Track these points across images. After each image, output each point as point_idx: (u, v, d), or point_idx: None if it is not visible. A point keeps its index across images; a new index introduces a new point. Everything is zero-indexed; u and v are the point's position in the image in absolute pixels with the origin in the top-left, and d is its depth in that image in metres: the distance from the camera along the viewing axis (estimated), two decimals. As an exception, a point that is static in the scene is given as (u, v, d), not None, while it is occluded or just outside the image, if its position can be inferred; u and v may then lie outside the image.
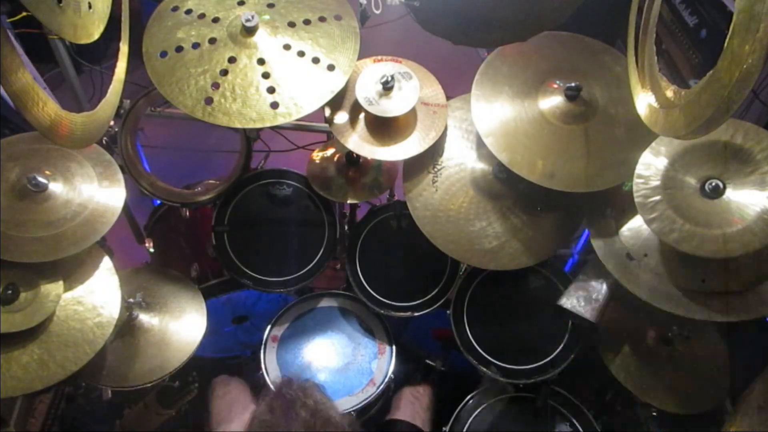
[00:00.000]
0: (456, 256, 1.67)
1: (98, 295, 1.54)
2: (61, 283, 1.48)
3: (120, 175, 1.59)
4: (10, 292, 1.41)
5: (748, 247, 1.24)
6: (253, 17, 1.44)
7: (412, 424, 1.66)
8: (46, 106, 1.09)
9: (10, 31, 2.03)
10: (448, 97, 1.68)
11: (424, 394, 1.79)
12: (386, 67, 1.56)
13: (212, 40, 1.47)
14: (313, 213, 1.87)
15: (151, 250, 2.15)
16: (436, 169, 1.68)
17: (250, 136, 1.82)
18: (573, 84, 1.50)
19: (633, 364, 1.71)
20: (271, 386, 1.76)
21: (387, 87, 1.52)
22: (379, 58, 1.65)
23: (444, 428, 1.72)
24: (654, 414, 1.95)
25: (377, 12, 1.51)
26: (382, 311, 1.86)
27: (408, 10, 1.35)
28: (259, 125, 1.42)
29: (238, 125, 1.41)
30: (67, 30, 1.11)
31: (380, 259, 1.91)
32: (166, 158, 2.59)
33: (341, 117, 1.61)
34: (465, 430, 1.72)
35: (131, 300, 1.70)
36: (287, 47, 1.48)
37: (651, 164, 1.36)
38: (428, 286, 1.85)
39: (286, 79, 1.45)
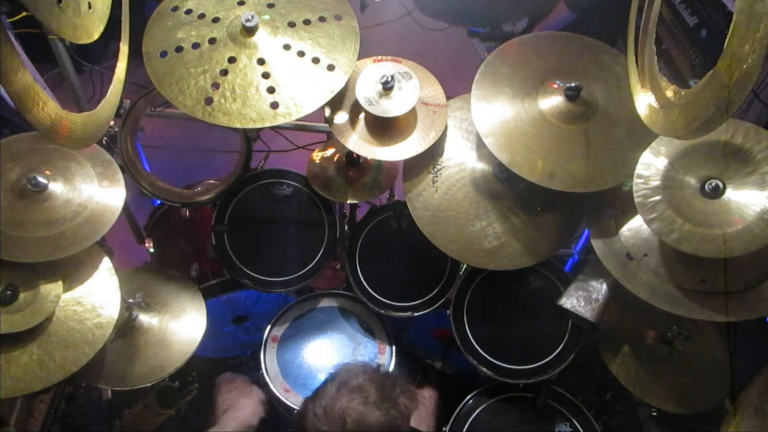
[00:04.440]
0: (456, 256, 1.67)
1: (98, 296, 1.54)
2: (60, 283, 1.48)
3: (120, 175, 1.59)
4: (9, 292, 1.41)
5: (748, 247, 1.24)
6: (253, 17, 1.44)
7: (417, 430, 1.64)
8: (46, 106, 1.09)
9: (10, 31, 2.03)
10: (448, 97, 1.68)
11: (430, 398, 1.78)
12: (386, 67, 1.56)
13: (212, 40, 1.46)
14: (313, 213, 1.87)
15: (151, 250, 2.15)
16: (436, 169, 1.68)
17: (250, 136, 1.82)
18: (573, 84, 1.50)
19: (633, 364, 1.72)
20: (271, 386, 1.76)
21: (387, 87, 1.52)
22: (379, 58, 1.65)
23: (444, 428, 1.72)
24: (654, 414, 1.95)
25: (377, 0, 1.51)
26: (382, 311, 1.86)
27: (410, 8, 1.35)
28: (259, 125, 1.42)
29: (238, 125, 1.41)
30: (67, 30, 1.11)
31: (380, 259, 1.91)
32: (166, 158, 2.60)
33: (341, 117, 1.61)
34: (465, 430, 1.72)
35: (131, 300, 1.70)
36: (287, 47, 1.48)
37: (651, 164, 1.36)
38: (428, 286, 1.86)
39: (286, 79, 1.45)
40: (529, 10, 1.40)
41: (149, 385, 1.68)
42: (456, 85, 1.74)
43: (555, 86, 1.55)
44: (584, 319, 1.63)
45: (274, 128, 1.76)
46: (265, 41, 1.47)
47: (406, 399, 1.20)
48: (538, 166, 1.48)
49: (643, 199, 1.35)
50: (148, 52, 1.45)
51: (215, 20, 1.50)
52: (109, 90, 1.35)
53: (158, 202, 2.16)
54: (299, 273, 1.84)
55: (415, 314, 1.83)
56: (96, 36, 1.22)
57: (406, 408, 1.18)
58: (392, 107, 1.53)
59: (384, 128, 1.60)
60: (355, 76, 1.55)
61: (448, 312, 1.82)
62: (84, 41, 1.18)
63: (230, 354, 2.28)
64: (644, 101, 1.24)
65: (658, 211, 1.32)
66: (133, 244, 2.19)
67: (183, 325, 1.76)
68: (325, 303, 1.98)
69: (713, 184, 1.30)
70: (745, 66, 0.88)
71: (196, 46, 1.46)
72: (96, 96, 2.82)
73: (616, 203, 1.56)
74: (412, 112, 1.60)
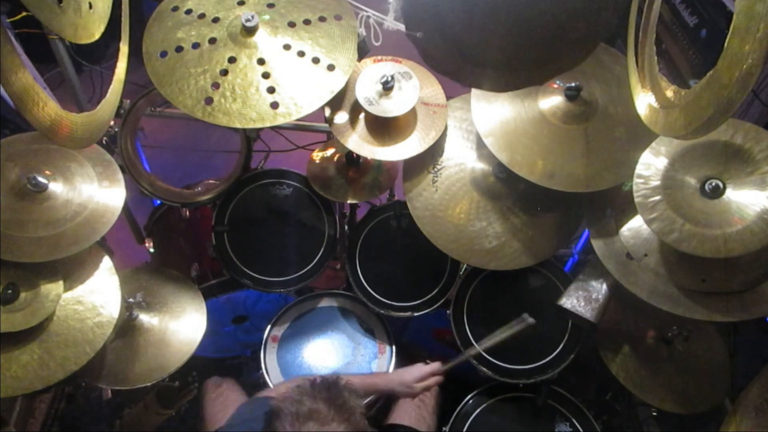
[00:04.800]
0: (456, 256, 1.67)
1: (98, 295, 1.54)
2: (61, 282, 1.49)
3: (120, 175, 1.59)
4: (10, 291, 1.41)
5: (748, 247, 1.24)
6: (253, 17, 1.44)
7: (416, 430, 1.64)
8: (46, 106, 1.09)
9: (10, 31, 2.03)
10: (448, 97, 1.68)
11: (430, 397, 1.78)
12: (386, 67, 1.56)
13: (212, 40, 1.46)
14: (313, 213, 1.87)
15: (151, 250, 2.15)
16: (436, 169, 1.68)
17: (250, 136, 1.82)
18: (573, 84, 1.50)
19: (633, 364, 1.72)
20: (271, 386, 1.76)
21: (387, 87, 1.52)
22: (379, 58, 1.65)
23: (444, 428, 1.72)
24: (654, 414, 1.95)
25: (377, 44, 1.50)
26: (382, 311, 1.86)
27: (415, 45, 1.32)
28: (259, 125, 1.42)
29: (238, 125, 1.41)
30: (67, 30, 1.11)
31: (380, 259, 1.91)
32: (166, 158, 2.59)
33: (341, 117, 1.61)
34: (465, 430, 1.72)
35: (131, 300, 1.70)
36: (287, 47, 1.48)
37: (651, 164, 1.36)
38: (428, 286, 1.86)
39: (286, 79, 1.45)
40: (554, 70, 1.35)
41: (149, 385, 1.68)
42: (456, 85, 1.73)
43: (555, 86, 1.55)
44: (584, 319, 1.63)
45: (274, 128, 1.76)
46: (265, 41, 1.47)
47: (355, 398, 1.16)
48: (538, 166, 1.48)
49: (643, 199, 1.35)
50: (148, 52, 1.45)
51: (215, 20, 1.50)
52: (109, 90, 1.35)
53: (158, 202, 2.16)
54: (299, 273, 1.84)
55: (415, 314, 1.83)
56: (97, 36, 1.22)
57: (360, 407, 1.16)
58: (392, 107, 1.53)
59: (384, 128, 1.60)
60: (355, 76, 1.55)
61: (448, 312, 1.82)
62: (85, 41, 1.18)
63: (230, 354, 2.28)
64: (644, 101, 1.23)
65: (658, 211, 1.33)
66: (133, 244, 2.19)
67: (183, 325, 1.76)
68: (325, 303, 1.98)
69: (713, 184, 1.30)
70: (745, 66, 0.88)
71: (196, 46, 1.46)
72: (96, 96, 2.82)
73: (616, 203, 1.56)
74: (412, 112, 1.60)
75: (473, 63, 1.30)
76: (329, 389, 1.15)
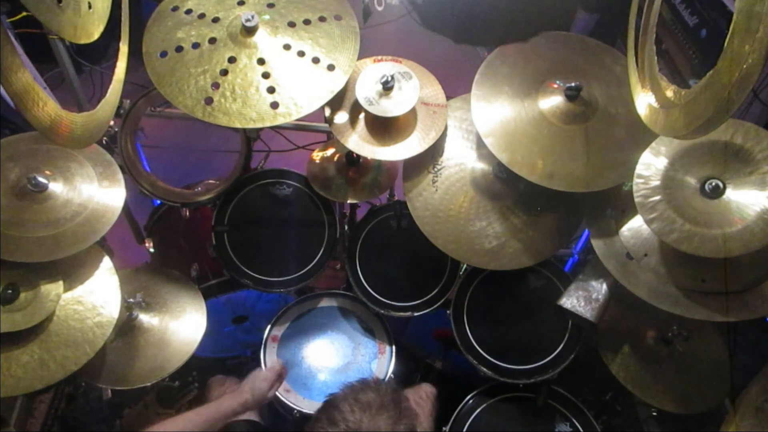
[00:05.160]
0: (456, 256, 1.67)
1: (98, 295, 1.54)
2: (61, 282, 1.49)
3: (120, 175, 1.59)
4: (10, 291, 1.41)
5: (748, 247, 1.24)
6: (253, 17, 1.44)
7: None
8: (46, 106, 1.09)
9: (10, 31, 2.03)
10: (448, 97, 1.68)
11: (427, 399, 1.78)
12: (386, 67, 1.56)
13: (212, 40, 1.47)
14: (313, 213, 1.87)
15: (151, 250, 2.15)
16: (436, 169, 1.68)
17: (250, 136, 1.82)
18: (573, 84, 1.50)
19: (633, 364, 1.72)
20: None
21: (387, 87, 1.52)
22: (379, 58, 1.65)
23: (444, 428, 1.72)
24: (654, 414, 1.95)
25: (380, 8, 1.51)
26: (382, 311, 1.86)
27: (409, 8, 1.35)
28: (259, 125, 1.42)
29: (238, 125, 1.41)
30: (67, 30, 1.11)
31: (380, 259, 1.91)
32: (166, 158, 2.59)
33: (341, 117, 1.61)
34: (465, 430, 1.73)
35: (131, 300, 1.70)
36: (287, 47, 1.48)
37: (651, 164, 1.36)
38: (428, 286, 1.86)
39: (286, 79, 1.45)
40: (545, 27, 1.38)
41: (149, 385, 1.68)
42: (456, 85, 1.74)
43: (555, 86, 1.55)
44: (584, 319, 1.63)
45: (274, 128, 1.76)
46: (265, 41, 1.47)
47: (411, 405, 1.19)
48: (538, 166, 1.48)
49: (643, 199, 1.34)
50: (148, 52, 1.45)
51: (215, 20, 1.50)
52: (109, 90, 1.35)
53: (158, 202, 2.16)
54: (299, 273, 1.84)
55: (415, 314, 1.83)
56: (96, 36, 1.22)
57: (417, 415, 1.18)
58: (392, 107, 1.53)
59: (384, 128, 1.60)
60: (355, 76, 1.55)
61: (448, 312, 1.82)
62: (84, 41, 1.18)
63: (230, 354, 2.28)
64: (644, 101, 1.24)
65: (658, 211, 1.32)
66: (133, 244, 2.19)
67: (183, 325, 1.76)
68: (325, 303, 1.98)
69: (713, 184, 1.30)
70: (745, 66, 0.88)
71: (196, 46, 1.46)
72: (96, 96, 2.82)
73: (616, 203, 1.56)
74: (412, 112, 1.60)
75: (475, 30, 1.32)
76: (395, 392, 1.17)
